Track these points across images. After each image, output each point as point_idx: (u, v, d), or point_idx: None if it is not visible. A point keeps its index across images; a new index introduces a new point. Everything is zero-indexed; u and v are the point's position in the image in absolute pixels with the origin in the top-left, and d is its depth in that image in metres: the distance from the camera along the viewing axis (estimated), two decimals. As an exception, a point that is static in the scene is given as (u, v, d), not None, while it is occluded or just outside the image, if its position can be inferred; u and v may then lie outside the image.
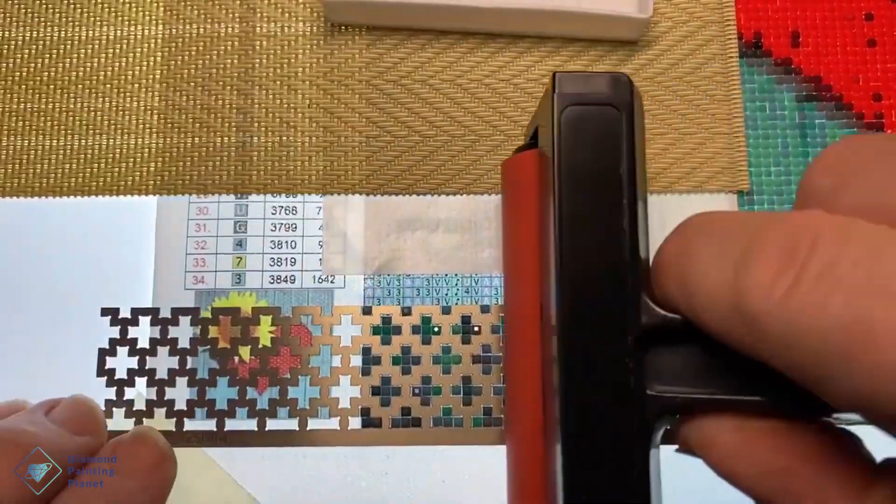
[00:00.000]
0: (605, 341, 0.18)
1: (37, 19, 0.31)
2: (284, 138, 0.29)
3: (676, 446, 0.18)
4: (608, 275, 0.18)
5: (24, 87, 0.30)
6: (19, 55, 0.30)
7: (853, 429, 0.16)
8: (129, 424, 0.27)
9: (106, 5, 0.31)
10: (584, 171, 0.19)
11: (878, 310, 0.12)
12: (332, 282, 0.28)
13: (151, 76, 0.30)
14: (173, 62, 0.30)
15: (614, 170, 0.19)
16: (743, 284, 0.13)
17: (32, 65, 0.30)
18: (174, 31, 0.30)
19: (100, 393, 0.27)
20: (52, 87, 0.30)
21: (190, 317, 0.28)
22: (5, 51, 0.30)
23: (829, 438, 0.15)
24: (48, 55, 0.30)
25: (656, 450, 0.19)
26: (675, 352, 0.18)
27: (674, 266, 0.16)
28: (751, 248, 0.14)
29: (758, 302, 0.13)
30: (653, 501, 0.18)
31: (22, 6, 0.31)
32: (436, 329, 0.28)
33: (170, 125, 0.30)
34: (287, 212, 0.29)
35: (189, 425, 0.27)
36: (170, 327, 0.28)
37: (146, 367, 0.28)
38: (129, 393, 0.27)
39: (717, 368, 0.17)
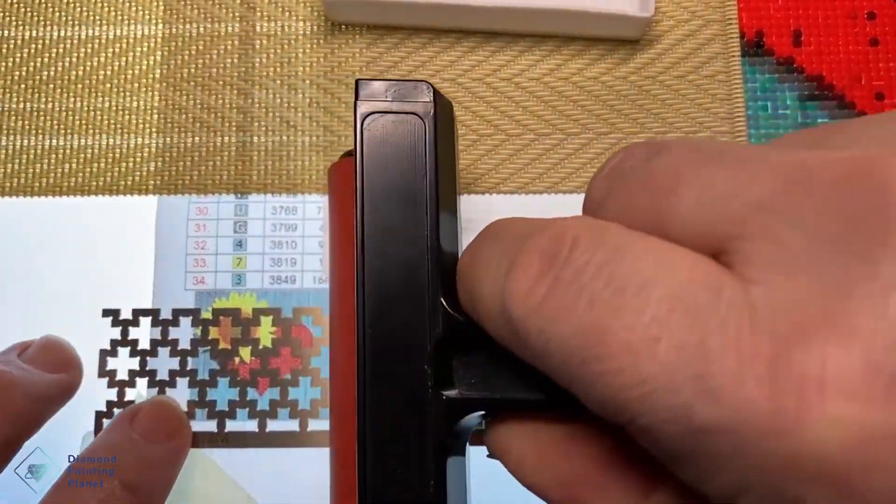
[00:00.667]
0: (402, 348, 0.18)
1: (36, 18, 0.30)
2: (284, 138, 0.29)
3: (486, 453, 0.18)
4: (407, 283, 0.19)
5: (23, 86, 0.30)
6: (19, 54, 0.30)
7: None
8: (130, 425, 0.27)
9: (106, 4, 0.30)
10: (385, 180, 0.19)
11: (611, 316, 0.11)
12: (332, 282, 0.28)
13: (151, 75, 0.30)
14: (173, 61, 0.30)
15: (416, 179, 0.19)
16: (507, 290, 0.13)
17: (32, 64, 0.30)
18: (174, 30, 0.30)
19: (101, 394, 0.27)
20: (51, 86, 0.30)
21: (191, 318, 0.28)
22: (5, 49, 0.30)
23: (620, 443, 0.15)
24: (48, 54, 0.30)
25: (461, 457, 0.19)
26: (475, 357, 0.18)
27: (465, 272, 0.16)
28: (517, 254, 0.13)
29: (517, 308, 0.13)
30: None
31: (22, 5, 0.31)
32: (436, 329, 0.28)
33: (170, 124, 0.30)
34: (287, 212, 0.29)
35: (190, 426, 0.27)
36: (170, 328, 0.28)
37: (147, 368, 0.28)
38: (129, 394, 0.27)
39: (512, 372, 0.17)
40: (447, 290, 0.18)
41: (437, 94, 0.20)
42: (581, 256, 0.12)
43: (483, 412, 0.18)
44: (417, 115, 0.20)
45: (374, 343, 0.18)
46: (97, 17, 0.30)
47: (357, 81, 0.20)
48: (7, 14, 0.30)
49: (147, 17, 0.30)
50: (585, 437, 0.15)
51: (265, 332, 0.28)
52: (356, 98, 0.20)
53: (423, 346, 0.18)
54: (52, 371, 0.25)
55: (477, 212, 0.29)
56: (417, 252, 0.19)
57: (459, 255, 0.18)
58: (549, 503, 0.16)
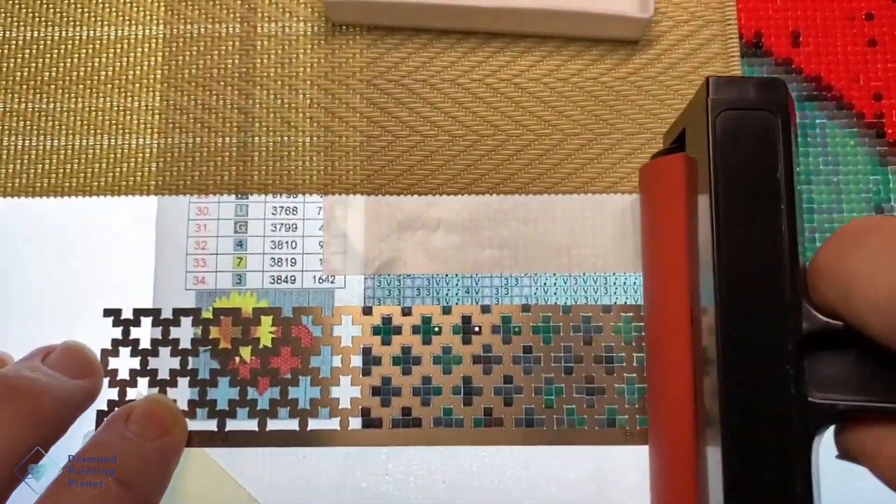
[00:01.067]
0: (765, 348, 0.18)
1: (38, 19, 0.31)
2: (285, 138, 0.29)
3: (836, 453, 0.18)
4: (768, 280, 0.18)
5: (25, 86, 0.30)
6: (20, 55, 0.30)
7: None
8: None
9: (107, 5, 0.31)
10: (741, 176, 0.19)
11: None
12: (332, 282, 0.28)
13: (152, 76, 0.30)
14: (174, 62, 0.30)
15: (772, 174, 0.19)
16: None
17: (33, 65, 0.30)
18: (175, 30, 0.30)
19: (102, 394, 0.27)
20: (53, 86, 0.30)
21: (191, 317, 0.28)
22: (6, 50, 0.30)
23: None
24: (49, 55, 0.30)
25: (816, 457, 0.19)
26: (836, 358, 0.18)
27: (834, 273, 0.16)
28: None
29: None
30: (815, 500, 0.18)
31: (23, 6, 0.31)
32: (436, 329, 0.28)
33: (171, 125, 0.30)
34: (287, 212, 0.29)
35: (190, 425, 0.27)
36: (171, 328, 0.28)
37: (148, 368, 0.28)
38: (130, 393, 0.27)
39: (881, 375, 0.17)
40: (804, 290, 0.18)
41: (787, 89, 0.19)
42: None
43: (844, 414, 0.18)
44: (770, 111, 0.19)
45: (734, 343, 0.18)
46: (98, 18, 0.31)
47: (708, 79, 0.20)
48: (8, 15, 0.31)
49: (148, 18, 0.30)
50: None
51: (265, 332, 0.28)
52: (707, 95, 0.20)
53: (784, 346, 0.18)
54: (76, 376, 0.25)
55: (476, 212, 0.29)
56: (775, 250, 0.18)
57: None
58: None
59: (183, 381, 0.28)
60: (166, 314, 0.28)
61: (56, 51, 0.30)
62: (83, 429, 0.27)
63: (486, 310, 0.28)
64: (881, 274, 0.14)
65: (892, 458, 0.16)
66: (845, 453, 0.17)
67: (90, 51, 0.30)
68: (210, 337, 0.28)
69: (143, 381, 0.28)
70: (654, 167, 0.25)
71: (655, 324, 0.25)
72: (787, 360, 0.18)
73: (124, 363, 0.28)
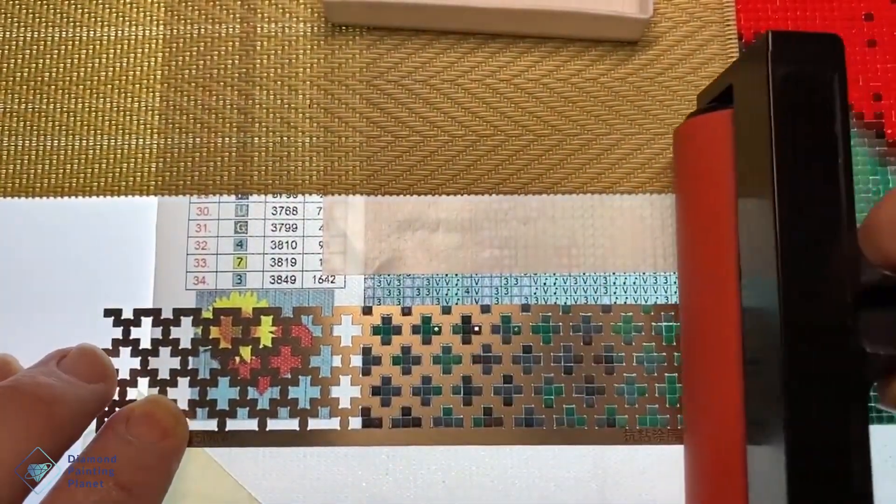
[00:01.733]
0: (826, 301, 0.18)
1: (38, 20, 0.31)
2: (285, 138, 0.29)
3: (879, 402, 0.19)
4: (826, 234, 0.19)
5: (25, 87, 0.30)
6: (20, 56, 0.30)
7: None
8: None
9: (107, 6, 0.31)
10: (800, 132, 0.19)
11: None
12: (332, 282, 0.28)
13: (152, 77, 0.30)
14: (174, 63, 0.30)
15: (829, 130, 0.19)
16: None
17: (34, 65, 0.30)
18: (175, 31, 0.30)
19: (101, 393, 0.27)
20: (53, 87, 0.30)
21: (191, 317, 0.28)
22: (6, 51, 0.30)
23: None
24: (49, 56, 0.30)
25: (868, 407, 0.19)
26: (887, 312, 0.18)
27: (893, 226, 0.16)
28: None
29: None
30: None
31: (23, 7, 0.31)
32: (436, 329, 0.28)
33: (171, 126, 0.30)
34: (287, 212, 0.29)
35: (190, 425, 0.27)
36: (171, 328, 0.28)
37: (148, 368, 0.28)
38: (131, 393, 0.28)
39: None
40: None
41: (843, 46, 0.19)
42: None
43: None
44: (828, 69, 0.19)
45: (795, 295, 0.18)
46: (98, 19, 0.31)
47: (767, 33, 0.20)
48: (8, 16, 0.31)
49: (148, 18, 0.31)
50: None
51: (265, 332, 0.28)
52: (767, 48, 0.20)
53: (843, 299, 0.18)
54: (91, 380, 0.25)
55: (476, 212, 0.29)
56: (833, 206, 0.19)
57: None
58: None
59: (183, 381, 0.28)
60: (166, 314, 0.28)
61: (56, 51, 0.30)
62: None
63: (485, 310, 0.28)
64: None
65: None
66: (890, 403, 0.18)
67: (90, 51, 0.30)
68: (210, 337, 0.28)
69: (143, 381, 0.28)
70: (696, 125, 0.25)
71: (694, 312, 0.25)
72: (847, 313, 0.18)
73: (124, 363, 0.28)
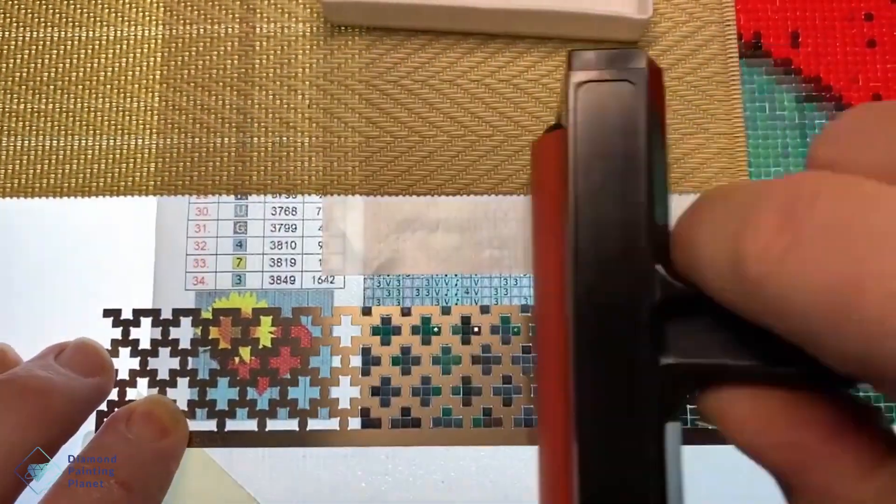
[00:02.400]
0: (618, 315, 0.18)
1: (37, 20, 0.31)
2: (284, 139, 0.29)
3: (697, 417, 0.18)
4: (623, 249, 0.19)
5: (24, 87, 0.30)
6: (20, 56, 0.30)
7: None
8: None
9: (106, 6, 0.31)
10: (601, 147, 0.19)
11: (869, 264, 0.11)
12: (331, 282, 0.28)
13: (151, 77, 0.30)
14: (173, 63, 0.30)
15: (631, 144, 0.19)
16: (741, 248, 0.13)
17: (33, 65, 0.30)
18: (174, 31, 0.30)
19: (101, 393, 0.27)
20: (52, 87, 0.30)
21: (191, 318, 0.28)
22: (6, 51, 0.30)
23: (847, 411, 0.15)
24: (48, 56, 0.30)
25: (676, 422, 0.19)
26: (692, 323, 0.18)
27: (683, 237, 0.16)
28: (750, 211, 0.13)
29: (754, 265, 0.13)
30: (669, 473, 0.18)
31: (22, 7, 0.31)
32: (436, 329, 0.28)
33: (170, 126, 0.30)
34: (287, 212, 0.29)
35: (190, 425, 0.27)
36: (171, 328, 0.28)
37: (148, 368, 0.28)
38: (130, 393, 0.28)
39: (732, 338, 0.17)
40: (661, 257, 0.18)
41: (650, 60, 0.20)
42: (826, 207, 0.12)
43: (700, 378, 0.18)
44: (630, 81, 0.19)
45: (590, 310, 0.18)
46: (97, 19, 0.31)
47: (570, 52, 0.20)
48: (7, 15, 0.31)
49: (147, 18, 0.30)
50: (811, 404, 0.15)
51: (265, 332, 0.28)
52: (569, 68, 0.20)
53: (639, 313, 0.18)
54: (88, 374, 0.25)
55: (475, 212, 0.29)
56: (632, 219, 0.19)
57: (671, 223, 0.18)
58: (767, 467, 0.16)
59: (183, 382, 0.28)
60: (166, 314, 0.28)
61: (55, 51, 0.30)
62: (84, 429, 0.27)
63: (485, 310, 0.28)
64: (716, 235, 0.15)
65: (738, 419, 0.16)
66: (703, 415, 0.18)
67: (89, 51, 0.30)
68: (210, 337, 0.28)
69: (142, 382, 0.28)
70: (537, 144, 0.26)
71: (538, 310, 0.25)
72: (640, 328, 0.18)
73: (124, 363, 0.28)
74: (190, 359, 0.28)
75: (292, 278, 0.28)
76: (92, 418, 0.27)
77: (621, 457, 0.18)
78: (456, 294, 0.28)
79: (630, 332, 0.18)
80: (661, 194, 0.20)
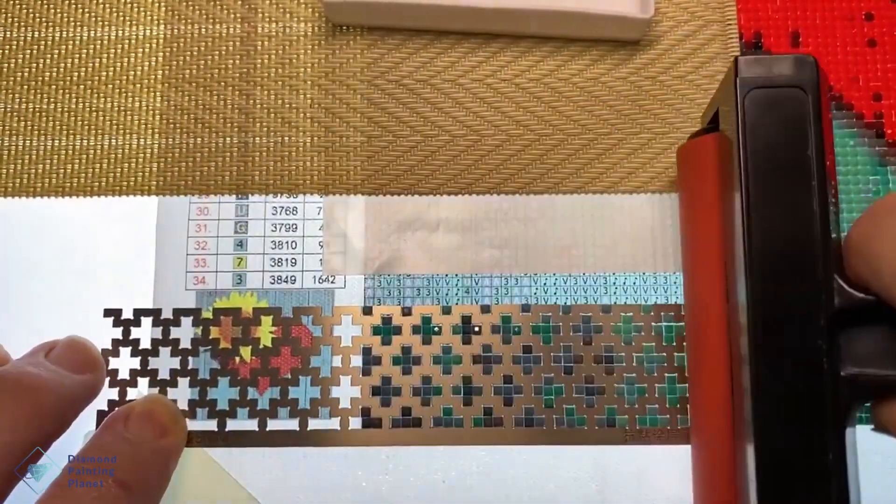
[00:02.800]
0: (797, 324, 0.18)
1: (39, 20, 0.31)
2: (285, 139, 0.29)
3: (872, 426, 0.18)
4: (799, 257, 0.18)
5: (25, 87, 0.30)
6: (21, 55, 0.30)
7: None
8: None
9: (108, 6, 0.31)
10: (771, 154, 0.19)
11: None
12: (332, 282, 0.28)
13: (153, 76, 0.30)
14: (175, 62, 0.30)
15: (802, 151, 0.19)
16: None
17: (34, 65, 0.30)
18: (176, 31, 0.30)
19: (102, 393, 0.27)
20: (53, 87, 0.30)
21: (191, 317, 0.28)
22: (7, 51, 0.30)
23: None
24: (50, 55, 0.30)
25: (852, 429, 0.19)
26: (869, 333, 0.18)
27: (863, 246, 0.16)
28: None
29: None
30: (849, 479, 0.18)
31: (24, 6, 0.31)
32: (436, 329, 0.28)
33: (171, 125, 0.30)
34: (288, 212, 0.29)
35: (190, 425, 0.27)
36: (171, 328, 0.28)
37: (148, 368, 0.28)
38: (131, 393, 0.28)
39: None
40: (837, 266, 0.18)
41: (818, 66, 0.19)
42: None
43: (879, 388, 0.18)
44: (801, 87, 0.19)
45: (766, 320, 0.18)
46: (99, 19, 0.31)
47: (737, 59, 0.19)
48: (9, 15, 0.31)
49: (149, 18, 0.31)
50: None
51: (265, 332, 0.28)
52: (736, 75, 0.19)
53: (816, 322, 0.18)
54: (79, 371, 0.25)
55: (476, 212, 0.29)
56: (806, 227, 0.18)
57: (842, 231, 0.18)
58: None
59: (183, 381, 0.28)
60: (166, 314, 0.28)
61: (57, 51, 0.30)
62: (83, 429, 0.27)
63: (485, 310, 0.28)
64: None
65: None
66: (880, 426, 0.18)
67: (91, 51, 0.30)
68: (210, 337, 0.28)
69: (143, 381, 0.28)
70: (689, 148, 0.25)
71: (693, 315, 0.25)
72: (819, 336, 0.18)
73: (124, 363, 0.28)
74: (190, 358, 0.28)
75: (293, 278, 0.28)
76: (92, 417, 0.27)
77: (804, 463, 0.18)
78: (456, 294, 0.28)
79: (811, 341, 0.18)
80: (833, 202, 0.19)
